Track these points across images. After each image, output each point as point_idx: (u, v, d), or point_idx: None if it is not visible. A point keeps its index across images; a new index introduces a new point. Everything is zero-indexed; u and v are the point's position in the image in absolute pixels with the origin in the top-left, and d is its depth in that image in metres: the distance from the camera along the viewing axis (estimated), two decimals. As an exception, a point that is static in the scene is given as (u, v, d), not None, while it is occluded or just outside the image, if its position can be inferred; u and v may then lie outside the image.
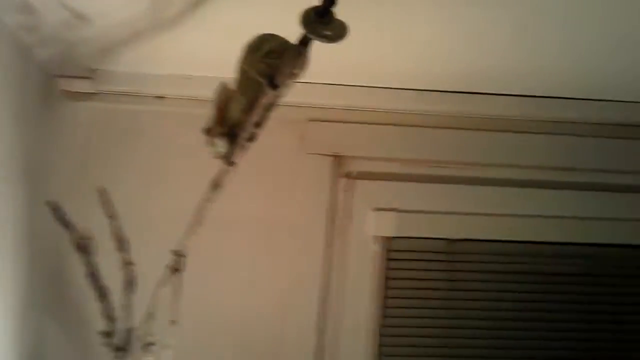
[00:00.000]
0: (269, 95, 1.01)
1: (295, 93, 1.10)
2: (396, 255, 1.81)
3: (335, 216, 1.78)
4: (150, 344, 1.36)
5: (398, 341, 1.82)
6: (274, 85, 0.98)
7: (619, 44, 1.35)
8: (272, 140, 1.52)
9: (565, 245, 1.86)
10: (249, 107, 1.05)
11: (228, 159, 1.15)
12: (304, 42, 0.92)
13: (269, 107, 1.06)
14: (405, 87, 1.68)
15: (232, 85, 1.07)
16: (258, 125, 1.10)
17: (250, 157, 1.18)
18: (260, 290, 1.74)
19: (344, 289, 1.79)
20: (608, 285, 1.89)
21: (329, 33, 0.87)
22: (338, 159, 1.78)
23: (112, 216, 1.41)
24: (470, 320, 1.84)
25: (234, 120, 1.09)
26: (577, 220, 1.84)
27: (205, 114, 1.13)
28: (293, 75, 0.99)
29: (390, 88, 1.69)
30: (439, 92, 1.71)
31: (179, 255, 1.33)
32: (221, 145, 1.13)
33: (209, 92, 1.13)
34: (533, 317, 1.85)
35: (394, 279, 1.81)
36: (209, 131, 1.13)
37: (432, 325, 1.83)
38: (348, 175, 1.79)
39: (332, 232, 1.78)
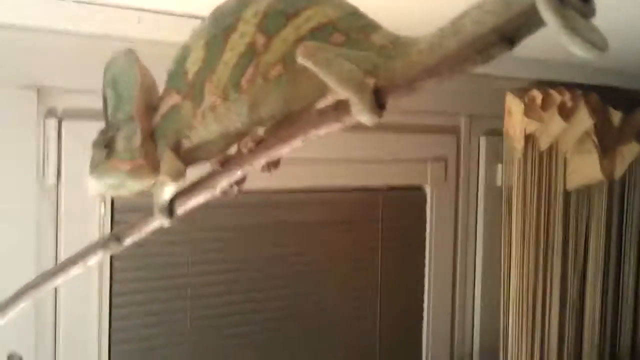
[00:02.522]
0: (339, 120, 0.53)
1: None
2: (125, 217, 1.43)
3: (45, 172, 1.31)
4: None
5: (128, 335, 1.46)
6: (381, 106, 0.50)
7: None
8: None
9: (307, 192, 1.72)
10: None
11: (167, 212, 0.63)
12: (511, 38, 0.45)
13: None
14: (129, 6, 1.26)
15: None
16: (275, 164, 0.62)
17: None
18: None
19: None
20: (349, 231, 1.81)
21: (595, 36, 0.41)
22: (40, 92, 1.29)
23: None
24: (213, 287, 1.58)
25: (200, 141, 0.62)
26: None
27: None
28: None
29: (110, 6, 1.25)
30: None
31: None
32: (159, 186, 0.61)
33: None
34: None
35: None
36: (106, 151, 0.62)
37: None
38: (53, 114, 1.31)
39: (44, 195, 1.30)
